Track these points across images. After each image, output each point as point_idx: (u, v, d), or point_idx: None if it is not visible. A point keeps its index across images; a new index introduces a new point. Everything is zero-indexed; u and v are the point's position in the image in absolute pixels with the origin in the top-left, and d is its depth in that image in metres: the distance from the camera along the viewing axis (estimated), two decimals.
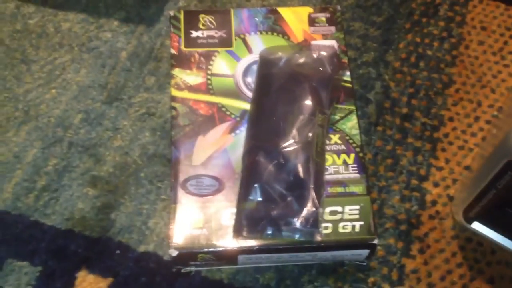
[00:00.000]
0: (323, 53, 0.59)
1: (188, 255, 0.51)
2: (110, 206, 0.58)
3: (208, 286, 0.55)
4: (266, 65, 0.59)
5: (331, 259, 0.55)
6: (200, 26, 0.62)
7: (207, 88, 0.59)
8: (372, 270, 0.56)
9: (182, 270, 0.55)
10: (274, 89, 0.57)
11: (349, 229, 0.52)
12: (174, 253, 0.51)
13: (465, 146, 0.62)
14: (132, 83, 0.65)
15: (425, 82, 0.66)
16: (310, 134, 0.53)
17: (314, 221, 0.51)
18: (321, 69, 0.58)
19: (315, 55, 0.58)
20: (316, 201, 0.51)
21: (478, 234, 0.55)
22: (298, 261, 0.55)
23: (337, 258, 0.55)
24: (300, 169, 0.52)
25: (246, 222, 0.51)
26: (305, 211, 0.51)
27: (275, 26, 0.63)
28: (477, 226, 0.55)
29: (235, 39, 0.62)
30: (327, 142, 0.56)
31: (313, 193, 0.51)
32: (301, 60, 0.58)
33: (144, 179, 0.60)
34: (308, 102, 0.55)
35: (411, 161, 0.61)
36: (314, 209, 0.51)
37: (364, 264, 0.56)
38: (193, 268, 0.55)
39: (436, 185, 0.60)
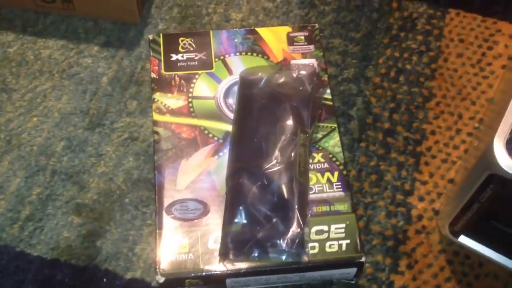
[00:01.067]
0: (303, 72, 0.59)
1: (176, 281, 0.51)
2: (96, 233, 0.58)
3: None
4: (246, 85, 0.59)
5: (319, 279, 0.54)
6: (180, 49, 0.62)
7: (189, 111, 0.59)
8: None
9: None
10: (255, 109, 0.57)
11: (335, 248, 0.52)
12: (161, 279, 0.50)
13: (448, 159, 0.62)
14: (114, 108, 0.65)
15: (406, 96, 0.66)
16: (292, 154, 0.53)
17: (300, 242, 0.50)
18: (301, 88, 0.58)
19: (294, 75, 0.59)
20: (301, 221, 0.51)
21: (465, 247, 0.55)
22: (287, 282, 0.55)
23: (325, 278, 0.54)
24: (284, 189, 0.52)
25: (232, 245, 0.51)
26: (290, 232, 0.50)
27: (255, 46, 0.63)
28: (463, 239, 0.55)
29: (215, 61, 0.62)
30: (310, 161, 0.56)
31: (297, 214, 0.51)
32: (281, 80, 0.58)
33: (129, 204, 0.59)
34: (290, 122, 0.55)
35: (395, 176, 0.62)
36: (299, 230, 0.51)
37: (353, 282, 0.56)
38: None
39: (421, 199, 0.60)
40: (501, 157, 0.45)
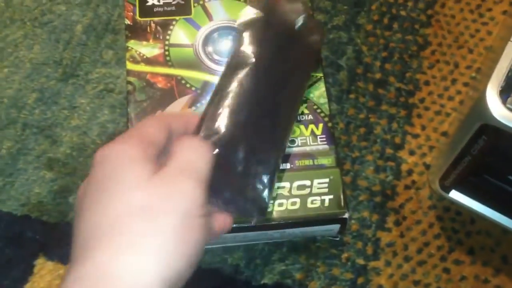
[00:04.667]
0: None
1: None
2: (68, 189, 0.55)
3: None
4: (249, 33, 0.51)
5: (301, 235, 0.52)
6: None
7: (165, 60, 0.55)
8: (346, 245, 0.54)
9: None
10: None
11: (318, 204, 0.49)
12: None
13: (442, 111, 0.59)
14: (89, 58, 0.61)
15: (399, 44, 0.62)
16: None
17: (261, 203, 0.45)
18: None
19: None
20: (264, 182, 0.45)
21: (456, 203, 0.52)
22: (267, 239, 0.52)
23: (308, 235, 0.52)
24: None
25: None
26: (254, 193, 0.45)
27: None
28: (454, 194, 0.52)
29: (194, 6, 0.58)
30: None
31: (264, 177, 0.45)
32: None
33: None
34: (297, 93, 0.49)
35: (385, 129, 0.58)
36: (263, 191, 0.45)
37: (337, 239, 0.53)
38: None
39: (412, 153, 0.57)
40: (494, 106, 0.42)
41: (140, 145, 0.35)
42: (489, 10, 0.63)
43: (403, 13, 0.64)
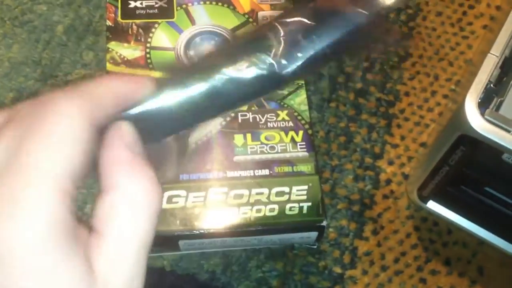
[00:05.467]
0: None
1: None
2: None
3: (148, 273, 0.51)
4: None
5: (279, 242, 0.51)
6: None
7: (146, 63, 0.55)
8: (323, 253, 0.53)
9: None
10: None
11: (296, 211, 0.49)
12: None
13: (421, 122, 0.59)
14: (69, 59, 0.60)
15: (381, 55, 0.62)
16: None
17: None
18: None
19: None
20: None
21: (433, 214, 0.53)
22: (245, 246, 0.52)
23: (285, 242, 0.51)
24: None
25: None
26: None
27: None
28: (432, 205, 0.52)
29: (177, 9, 0.57)
30: (274, 118, 0.53)
31: None
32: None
33: None
34: None
35: (365, 139, 0.58)
36: None
37: (315, 247, 0.53)
38: None
39: (390, 163, 0.57)
40: (473, 117, 0.42)
41: (84, 102, 0.25)
42: (470, 24, 0.64)
43: (385, 24, 0.64)
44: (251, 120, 0.52)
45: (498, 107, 0.43)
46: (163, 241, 0.48)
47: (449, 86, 0.61)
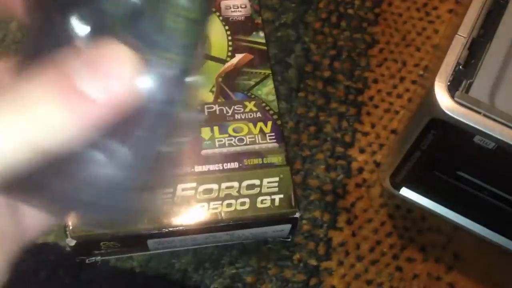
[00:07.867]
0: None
1: (89, 244, 0.46)
2: None
3: (117, 276, 0.50)
4: None
5: (252, 237, 0.50)
6: None
7: None
8: (297, 246, 0.52)
9: (87, 261, 0.49)
10: None
11: (268, 204, 0.48)
12: (72, 242, 0.45)
13: (391, 109, 0.59)
14: None
15: (348, 43, 0.61)
16: None
17: None
18: None
19: None
20: None
21: (407, 201, 0.52)
22: (216, 242, 0.50)
23: (258, 236, 0.50)
24: None
25: None
26: None
27: None
28: (405, 192, 0.51)
29: None
30: (242, 110, 0.51)
31: None
32: None
33: None
34: None
35: (335, 128, 0.57)
36: None
37: (289, 240, 0.52)
38: (98, 258, 0.49)
39: (362, 151, 0.56)
40: (443, 99, 0.42)
41: None
42: (435, 8, 0.64)
43: (350, 11, 0.63)
44: (217, 112, 0.51)
45: (467, 89, 0.42)
46: (131, 241, 0.46)
47: (417, 72, 0.60)
